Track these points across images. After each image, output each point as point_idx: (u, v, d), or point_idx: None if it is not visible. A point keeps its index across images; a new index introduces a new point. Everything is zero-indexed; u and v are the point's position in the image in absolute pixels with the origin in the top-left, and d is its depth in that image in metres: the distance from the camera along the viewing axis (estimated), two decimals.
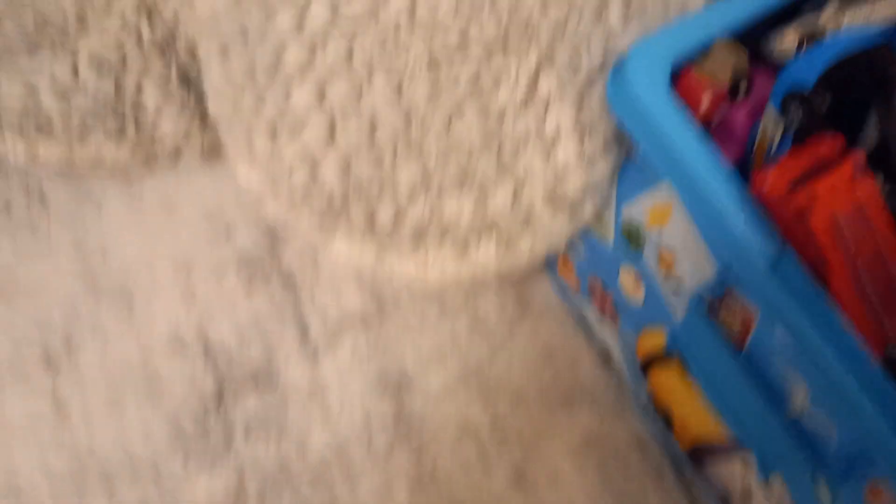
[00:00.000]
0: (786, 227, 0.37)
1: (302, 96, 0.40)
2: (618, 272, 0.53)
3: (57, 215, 0.55)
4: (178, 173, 0.57)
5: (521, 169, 0.42)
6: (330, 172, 0.42)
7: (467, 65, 0.39)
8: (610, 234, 0.52)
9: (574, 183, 0.44)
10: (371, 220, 0.43)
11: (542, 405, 0.57)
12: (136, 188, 0.57)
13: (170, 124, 0.52)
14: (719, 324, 0.45)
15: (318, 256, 0.57)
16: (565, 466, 0.56)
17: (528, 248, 0.48)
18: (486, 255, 0.46)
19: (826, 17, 0.41)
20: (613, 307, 0.56)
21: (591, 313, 0.60)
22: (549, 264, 0.63)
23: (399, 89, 0.39)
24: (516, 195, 0.43)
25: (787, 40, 0.41)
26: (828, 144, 0.36)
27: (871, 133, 0.40)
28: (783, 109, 0.37)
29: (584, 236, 0.57)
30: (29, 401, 0.49)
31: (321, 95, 0.40)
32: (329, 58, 0.39)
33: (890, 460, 0.36)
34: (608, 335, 0.59)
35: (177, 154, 0.57)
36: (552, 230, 0.47)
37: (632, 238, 0.50)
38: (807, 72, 0.35)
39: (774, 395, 0.44)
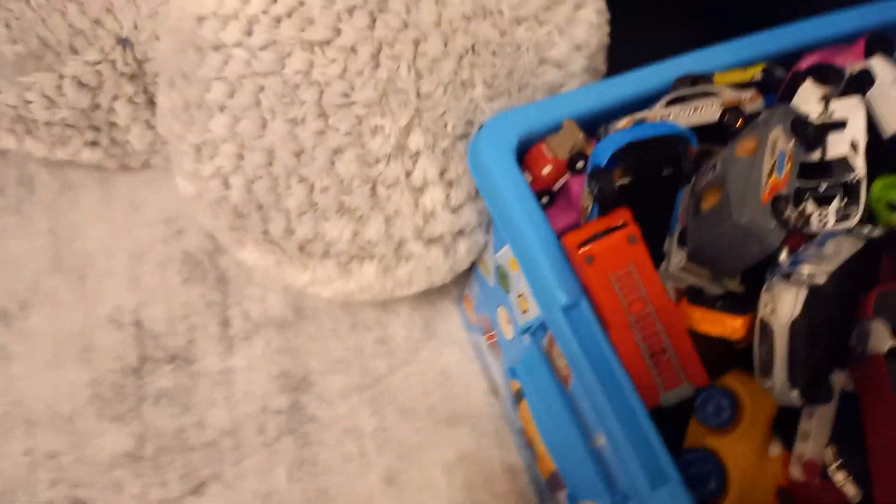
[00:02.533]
0: (581, 279, 0.44)
1: (218, 128, 0.50)
2: (497, 311, 0.60)
3: (41, 202, 0.65)
4: (148, 178, 0.68)
5: (391, 207, 0.50)
6: (236, 192, 0.51)
7: (349, 118, 0.48)
8: (491, 276, 0.60)
9: (441, 225, 0.52)
10: (266, 233, 0.52)
11: (428, 421, 0.64)
12: (111, 186, 0.67)
13: (137, 138, 0.63)
14: (553, 365, 0.52)
15: (252, 268, 0.66)
16: (437, 477, 0.62)
17: (408, 276, 0.56)
18: (367, 277, 0.54)
19: (654, 111, 0.49)
20: (497, 343, 0.63)
21: (484, 347, 0.67)
22: (459, 299, 0.71)
23: (293, 131, 0.48)
24: (388, 228, 0.51)
25: (619, 126, 0.48)
26: (617, 215, 0.43)
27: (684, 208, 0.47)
28: (588, 183, 0.44)
29: (477, 276, 0.64)
30: None
31: (233, 129, 0.50)
32: (241, 100, 0.49)
33: (640, 499, 0.42)
34: (495, 368, 0.66)
35: (146, 163, 0.67)
36: (427, 264, 0.55)
37: (502, 280, 0.57)
38: (603, 152, 0.43)
39: (586, 431, 0.50)
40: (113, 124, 0.62)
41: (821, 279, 0.38)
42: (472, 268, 0.64)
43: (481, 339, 0.67)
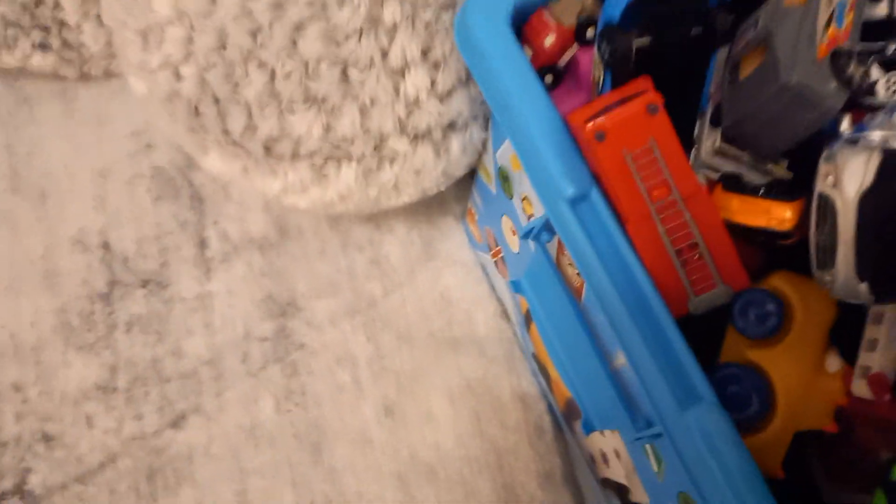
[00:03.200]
0: (591, 165, 0.36)
1: (162, 7, 0.42)
2: (501, 222, 0.53)
3: None
4: (112, 89, 0.61)
5: (366, 95, 0.43)
6: (189, 84, 0.44)
7: None
8: (493, 182, 0.52)
9: (427, 117, 0.44)
10: (227, 132, 0.45)
11: (429, 348, 0.58)
12: (71, 99, 0.60)
13: (90, 38, 0.55)
14: (563, 274, 0.45)
15: (229, 184, 0.59)
16: (440, 408, 0.57)
17: (393, 181, 0.48)
18: (345, 181, 0.47)
19: None
20: (503, 259, 0.56)
21: (491, 266, 0.60)
22: (462, 217, 0.64)
23: (246, 5, 0.41)
24: (365, 121, 0.44)
25: None
26: (635, 85, 0.35)
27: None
28: (598, 46, 0.36)
29: (479, 185, 0.57)
30: None
31: (178, 8, 0.42)
32: None
33: (666, 423, 0.35)
34: (503, 288, 0.59)
35: (108, 72, 0.60)
36: (416, 165, 0.48)
37: (505, 184, 0.49)
38: (616, 3, 0.34)
39: (602, 349, 0.43)
40: (62, 23, 0.54)
41: None
42: (473, 178, 0.56)
43: (487, 258, 0.60)
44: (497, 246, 0.56)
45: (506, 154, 0.47)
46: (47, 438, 0.51)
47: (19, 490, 0.50)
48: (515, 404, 0.58)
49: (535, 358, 0.57)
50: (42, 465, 0.50)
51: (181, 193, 0.59)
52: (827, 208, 0.29)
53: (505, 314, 0.61)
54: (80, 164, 0.59)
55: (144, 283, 0.56)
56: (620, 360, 0.42)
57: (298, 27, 0.41)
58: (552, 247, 0.45)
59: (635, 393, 0.41)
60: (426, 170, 0.48)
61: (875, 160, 0.28)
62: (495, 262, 0.58)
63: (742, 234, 0.37)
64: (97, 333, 0.54)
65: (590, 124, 0.34)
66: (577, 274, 0.43)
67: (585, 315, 0.43)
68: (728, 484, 0.33)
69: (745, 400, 0.37)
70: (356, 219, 0.60)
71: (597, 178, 0.36)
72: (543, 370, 0.56)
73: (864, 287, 0.28)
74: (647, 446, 0.43)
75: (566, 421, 0.56)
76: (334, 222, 0.60)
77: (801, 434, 0.38)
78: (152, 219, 0.57)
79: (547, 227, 0.43)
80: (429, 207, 0.61)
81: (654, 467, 0.43)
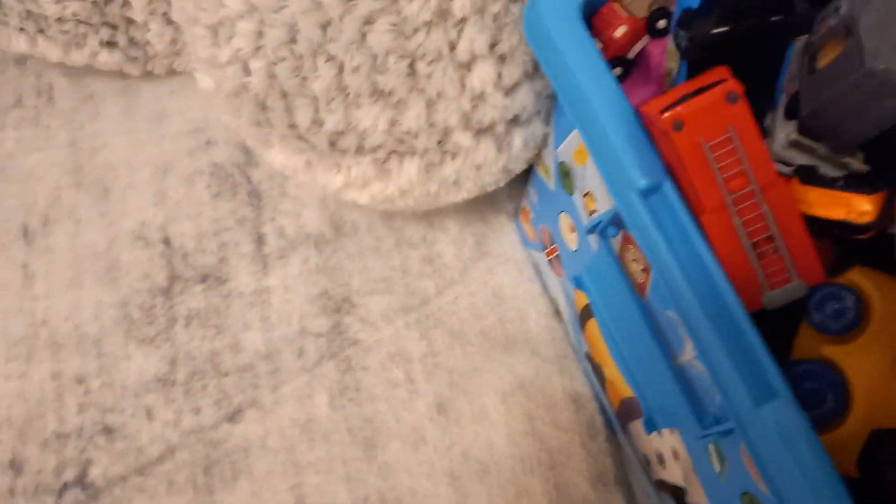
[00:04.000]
0: (665, 156, 0.36)
1: (233, 4, 0.43)
2: (558, 219, 0.53)
3: (60, 113, 0.61)
4: (172, 87, 0.62)
5: (433, 89, 0.43)
6: (257, 78, 0.45)
7: None
8: (552, 178, 0.52)
9: (492, 111, 0.45)
10: (293, 126, 0.46)
11: (481, 347, 0.58)
12: (134, 96, 0.62)
13: (156, 36, 0.57)
14: (627, 271, 0.45)
15: (286, 180, 0.60)
16: (492, 407, 0.56)
17: (454, 175, 0.48)
18: (407, 176, 0.47)
19: None
20: (558, 258, 0.56)
21: (544, 264, 0.60)
22: (515, 215, 0.64)
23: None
24: (430, 115, 0.44)
25: None
26: (714, 73, 0.34)
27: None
28: (675, 34, 0.36)
29: (536, 182, 0.56)
30: (2, 269, 0.55)
31: (249, 4, 0.43)
32: None
33: (740, 419, 0.35)
34: (556, 287, 0.59)
35: (170, 70, 0.61)
36: (477, 160, 0.48)
37: (565, 179, 0.49)
38: None
39: (667, 345, 0.42)
40: (129, 20, 0.56)
41: None
42: (528, 176, 0.56)
43: (541, 256, 0.60)
44: (552, 244, 0.55)
45: (569, 149, 0.47)
46: (108, 430, 0.52)
47: (80, 481, 0.51)
48: (568, 404, 0.57)
49: (589, 358, 0.56)
50: (103, 457, 0.51)
51: (239, 190, 0.59)
52: None
53: (557, 314, 0.61)
54: (141, 160, 0.60)
55: (203, 279, 0.57)
56: (687, 356, 0.41)
57: (368, 20, 0.41)
58: (616, 243, 0.44)
59: (702, 390, 0.41)
60: (487, 165, 0.48)
61: None
62: (549, 260, 0.58)
63: (817, 228, 0.36)
64: (157, 327, 0.55)
65: (667, 114, 0.34)
66: (642, 270, 0.43)
67: (650, 311, 0.43)
68: (806, 481, 0.33)
69: (820, 397, 0.36)
70: (410, 216, 0.60)
71: (669, 170, 0.36)
72: (597, 370, 0.55)
73: None
74: (711, 446, 0.42)
75: (620, 422, 0.56)
76: (388, 219, 0.60)
77: (876, 433, 0.37)
78: (211, 214, 0.58)
79: (613, 222, 0.43)
80: (482, 205, 0.61)
81: (717, 467, 0.42)
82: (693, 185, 0.35)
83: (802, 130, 0.36)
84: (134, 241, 0.57)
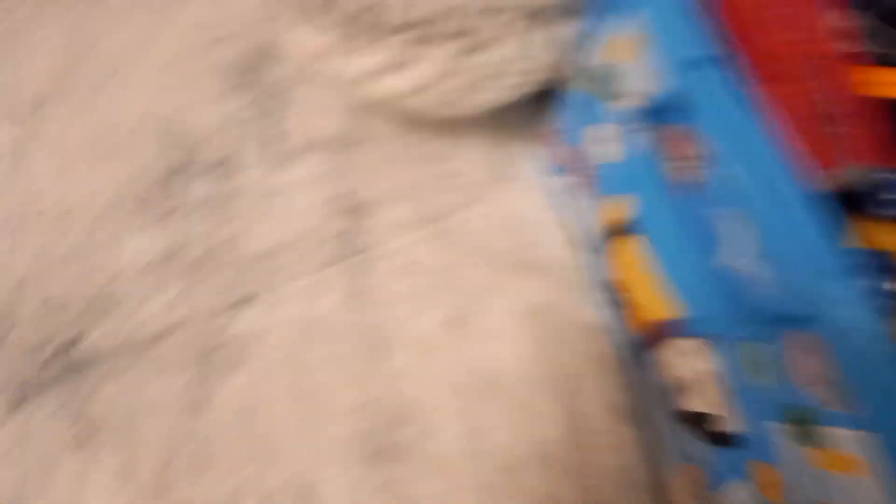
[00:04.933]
0: (725, 27, 0.34)
1: None
2: (584, 134, 0.51)
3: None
4: None
5: None
6: None
7: None
8: (581, 84, 0.50)
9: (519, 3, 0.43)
10: (323, 5, 0.43)
11: (496, 266, 0.56)
12: None
13: None
14: (668, 168, 0.43)
15: (302, 83, 0.58)
16: (504, 328, 0.54)
17: (471, 79, 0.46)
18: (428, 67, 0.45)
19: None
20: (583, 178, 0.54)
21: (564, 191, 0.58)
22: (536, 139, 0.62)
23: None
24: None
25: None
26: None
27: None
28: None
29: (561, 100, 0.54)
30: None
31: None
32: None
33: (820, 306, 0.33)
34: (574, 214, 0.57)
35: None
36: (502, 55, 0.45)
37: (601, 83, 0.47)
38: None
39: (708, 241, 0.40)
40: None
41: None
42: (547, 99, 0.54)
43: (563, 181, 0.58)
44: (576, 165, 0.53)
45: (613, 46, 0.45)
46: (103, 306, 0.49)
47: (67, 352, 0.47)
48: (581, 334, 0.55)
49: (607, 286, 0.54)
50: (94, 331, 0.48)
51: (252, 88, 0.57)
52: None
53: (575, 241, 0.59)
54: (147, 53, 0.57)
55: (211, 169, 0.54)
56: (730, 257, 0.39)
57: None
58: (657, 135, 0.43)
59: (757, 291, 0.39)
60: (504, 66, 0.46)
61: None
62: (572, 184, 0.56)
63: (882, 111, 0.34)
64: (156, 212, 0.52)
65: None
66: (687, 166, 0.41)
67: (701, 209, 0.41)
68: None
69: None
70: (431, 130, 0.58)
71: (730, 42, 0.34)
72: (619, 296, 0.53)
73: None
74: (748, 358, 0.40)
75: (643, 349, 0.53)
76: (409, 129, 0.58)
77: None
78: (221, 110, 0.56)
79: (658, 112, 0.41)
80: (502, 128, 0.59)
81: (756, 380, 0.40)
82: (758, 53, 0.33)
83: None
84: (135, 127, 0.54)
